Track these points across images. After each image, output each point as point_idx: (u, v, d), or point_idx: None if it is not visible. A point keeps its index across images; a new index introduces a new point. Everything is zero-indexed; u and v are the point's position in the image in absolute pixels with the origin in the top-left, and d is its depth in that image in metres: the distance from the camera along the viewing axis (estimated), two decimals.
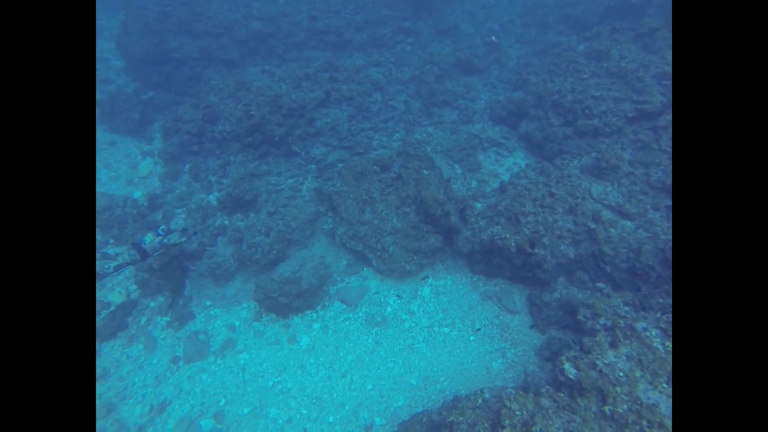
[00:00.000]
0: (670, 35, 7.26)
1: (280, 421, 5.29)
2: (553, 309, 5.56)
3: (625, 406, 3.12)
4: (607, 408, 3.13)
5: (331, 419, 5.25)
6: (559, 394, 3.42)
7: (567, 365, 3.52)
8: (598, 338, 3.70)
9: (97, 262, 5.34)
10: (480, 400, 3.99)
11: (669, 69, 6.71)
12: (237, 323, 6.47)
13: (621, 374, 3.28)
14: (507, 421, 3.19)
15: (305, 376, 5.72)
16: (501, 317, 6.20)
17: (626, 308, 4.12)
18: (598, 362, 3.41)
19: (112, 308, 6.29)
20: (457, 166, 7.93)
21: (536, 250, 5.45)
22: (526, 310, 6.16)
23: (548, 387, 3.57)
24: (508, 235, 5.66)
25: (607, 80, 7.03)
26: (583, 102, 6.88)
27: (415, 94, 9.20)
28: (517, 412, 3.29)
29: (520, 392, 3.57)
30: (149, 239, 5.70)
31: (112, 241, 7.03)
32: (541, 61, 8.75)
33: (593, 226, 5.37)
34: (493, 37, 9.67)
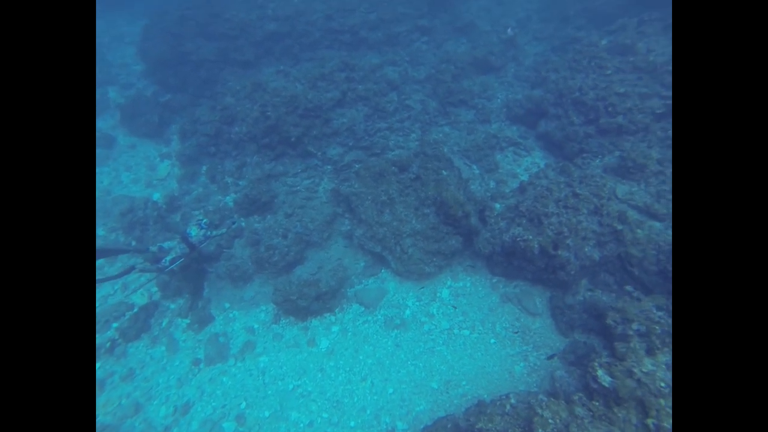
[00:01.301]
0: None
1: (302, 425, 5.28)
2: (577, 312, 5.42)
3: (672, 421, 2.98)
4: (650, 421, 2.99)
5: (352, 423, 5.23)
6: (594, 402, 3.31)
7: (600, 372, 3.41)
8: (632, 344, 3.57)
9: (154, 256, 5.89)
10: (508, 406, 3.91)
11: None
12: (256, 326, 6.49)
13: (663, 384, 3.16)
14: (540, 430, 3.10)
15: (325, 380, 5.70)
16: (522, 319, 6.09)
17: (660, 313, 3.98)
18: (635, 370, 3.29)
19: (136, 310, 6.39)
20: (475, 167, 7.81)
21: (560, 252, 5.32)
22: (547, 313, 6.03)
23: (580, 394, 3.47)
24: (530, 237, 5.54)
25: (633, 75, 6.82)
26: (607, 99, 6.69)
27: (432, 93, 9.10)
28: (550, 421, 3.20)
29: (552, 399, 3.47)
30: (195, 232, 6.05)
31: (134, 242, 7.12)
32: (560, 57, 8.54)
33: (619, 227, 5.21)
34: (509, 30, 9.42)
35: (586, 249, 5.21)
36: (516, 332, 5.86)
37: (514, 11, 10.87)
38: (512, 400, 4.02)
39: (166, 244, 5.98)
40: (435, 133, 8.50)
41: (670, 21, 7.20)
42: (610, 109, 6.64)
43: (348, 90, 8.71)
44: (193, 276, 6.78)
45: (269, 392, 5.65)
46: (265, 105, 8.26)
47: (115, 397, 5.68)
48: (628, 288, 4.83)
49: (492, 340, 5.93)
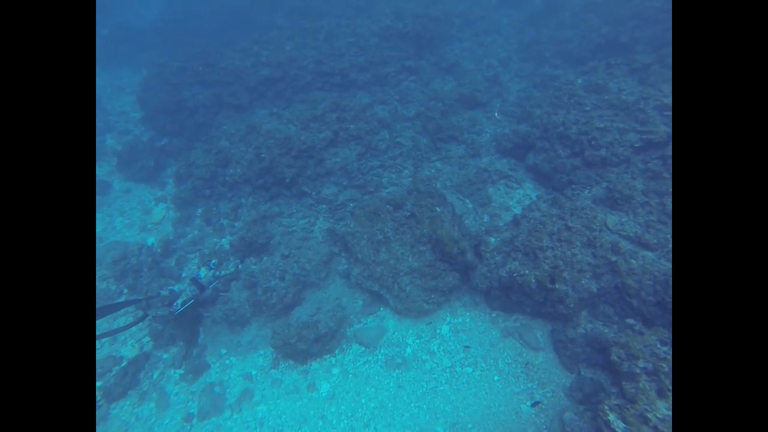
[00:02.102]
0: (663, 70, 7.54)
1: None
2: (580, 346, 5.40)
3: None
4: None
5: None
6: None
7: (612, 416, 3.36)
8: (641, 384, 3.55)
9: (166, 300, 5.95)
10: None
11: (668, 101, 6.88)
12: (254, 372, 6.30)
13: None
14: None
15: (327, 428, 5.50)
16: (524, 354, 6.02)
17: (664, 348, 3.99)
18: (649, 416, 3.24)
19: (124, 363, 6.13)
20: (468, 201, 7.98)
21: (557, 286, 5.37)
22: (549, 347, 5.99)
23: None
24: (527, 272, 5.60)
25: (610, 112, 7.19)
26: (589, 133, 7.01)
27: (422, 129, 9.42)
28: None
29: None
30: (204, 273, 6.22)
31: (126, 291, 6.99)
32: (542, 94, 9.00)
33: (613, 258, 5.31)
34: (496, 114, 9.59)
35: (583, 281, 5.27)
36: (524, 366, 5.78)
37: (496, 52, 11.51)
38: None
39: (176, 287, 5.97)
40: (427, 169, 8.72)
41: (634, 65, 7.78)
42: (593, 142, 6.94)
43: (340, 130, 8.97)
44: (188, 322, 6.63)
45: None
46: (259, 147, 8.45)
47: None
48: (630, 321, 4.85)
49: (495, 378, 5.82)
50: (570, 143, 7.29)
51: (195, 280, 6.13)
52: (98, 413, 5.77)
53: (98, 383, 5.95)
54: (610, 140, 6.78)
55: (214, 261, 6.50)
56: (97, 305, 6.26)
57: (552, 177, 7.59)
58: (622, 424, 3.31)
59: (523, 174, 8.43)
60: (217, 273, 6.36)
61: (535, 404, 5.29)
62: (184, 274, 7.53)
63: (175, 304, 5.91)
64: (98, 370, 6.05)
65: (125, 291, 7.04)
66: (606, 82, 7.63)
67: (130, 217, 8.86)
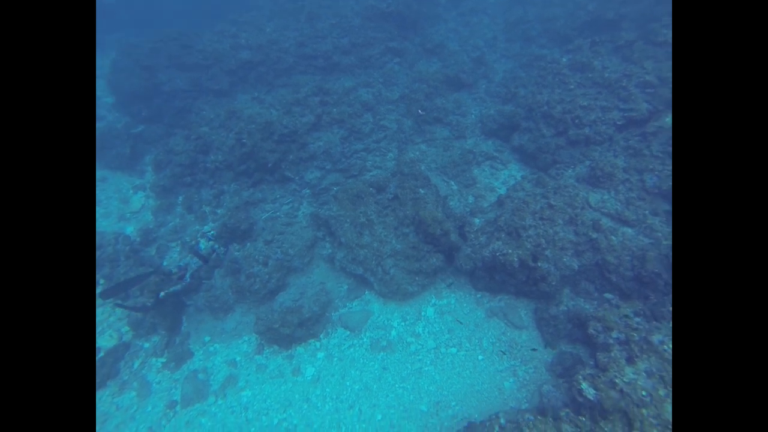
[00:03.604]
0: (646, 47, 7.46)
1: None
2: (562, 322, 5.44)
3: (655, 431, 2.97)
4: None
5: None
6: (580, 417, 3.27)
7: (584, 384, 3.39)
8: (613, 354, 3.58)
9: (174, 274, 6.18)
10: (496, 427, 3.83)
11: (651, 78, 6.83)
12: (238, 358, 6.25)
13: (644, 393, 3.15)
14: None
15: (312, 410, 5.49)
16: (508, 333, 6.06)
17: (638, 319, 4.03)
18: (617, 381, 3.29)
19: (102, 354, 6.00)
20: (453, 183, 7.91)
21: (539, 264, 5.37)
22: (533, 325, 6.03)
23: (567, 410, 3.43)
24: (510, 251, 5.59)
25: (593, 90, 7.12)
26: (573, 112, 6.95)
27: (406, 112, 9.26)
28: None
29: (539, 417, 3.42)
30: (204, 244, 6.43)
31: (102, 281, 6.82)
32: (527, 74, 8.89)
33: (594, 235, 5.32)
34: (420, 110, 9.12)
35: (565, 259, 5.28)
36: (504, 352, 5.82)
37: (482, 32, 11.31)
38: (501, 421, 3.95)
39: (182, 262, 6.18)
40: (411, 151, 8.61)
41: (618, 42, 7.70)
42: (576, 121, 6.89)
43: (323, 114, 8.79)
44: (169, 311, 6.52)
45: (252, 430, 5.39)
46: (240, 132, 8.24)
47: None
48: (608, 295, 4.89)
49: (480, 357, 5.86)
50: (554, 122, 7.23)
51: (196, 252, 6.35)
52: None
53: None
54: (594, 119, 6.74)
55: (212, 232, 6.68)
56: (109, 285, 6.36)
57: (537, 157, 7.55)
58: (592, 391, 3.35)
59: (509, 155, 8.37)
60: (215, 246, 6.50)
61: (534, 349, 5.50)
62: (165, 263, 7.39)
63: (185, 278, 6.22)
64: None
65: (101, 281, 6.87)
66: (590, 60, 7.54)
67: (106, 207, 8.62)
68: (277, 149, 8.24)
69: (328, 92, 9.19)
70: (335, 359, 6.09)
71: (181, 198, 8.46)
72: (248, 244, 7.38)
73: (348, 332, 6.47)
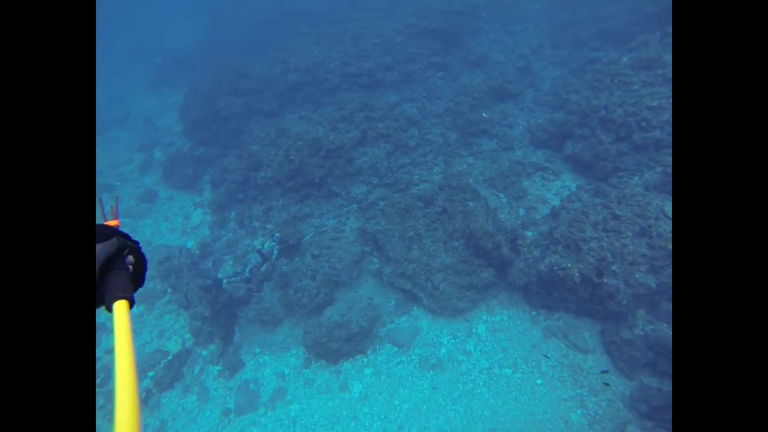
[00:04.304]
0: None
1: None
2: (639, 349, 4.86)
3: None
4: None
5: None
6: None
7: None
8: None
9: (239, 266, 7.04)
10: None
11: None
12: (286, 371, 6.29)
13: None
14: None
15: (359, 429, 5.35)
16: (571, 357, 5.55)
17: None
18: None
19: (170, 358, 6.40)
20: (502, 195, 7.59)
21: (605, 280, 4.90)
22: (600, 349, 5.47)
23: None
24: (569, 264, 5.17)
25: (664, 88, 6.56)
26: (638, 114, 6.42)
27: (451, 125, 9.15)
28: None
29: None
30: (267, 245, 7.14)
31: (170, 290, 7.29)
32: (579, 79, 8.44)
33: None
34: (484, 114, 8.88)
35: (638, 275, 4.77)
36: (546, 356, 5.35)
37: (526, 40, 11.02)
38: None
39: (252, 258, 6.95)
40: (458, 164, 8.44)
41: None
42: (643, 124, 6.36)
43: (368, 129, 8.92)
44: (224, 321, 6.78)
45: None
46: (288, 149, 8.57)
47: None
48: None
49: (539, 381, 5.41)
50: (615, 127, 6.73)
51: (260, 252, 7.00)
52: (151, 401, 6.10)
53: (150, 374, 6.32)
54: (666, 119, 6.16)
55: (277, 234, 7.42)
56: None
57: (594, 165, 7.05)
58: None
59: (561, 165, 7.91)
60: (276, 246, 7.16)
61: (604, 371, 4.98)
62: (220, 275, 7.76)
63: (245, 272, 7.01)
64: (150, 362, 6.42)
65: (169, 290, 7.34)
66: (660, 55, 6.97)
67: (173, 222, 9.31)
68: (323, 165, 8.45)
69: (373, 108, 9.35)
70: (383, 376, 5.93)
71: (233, 213, 8.91)
72: (296, 258, 7.54)
73: (396, 349, 6.30)
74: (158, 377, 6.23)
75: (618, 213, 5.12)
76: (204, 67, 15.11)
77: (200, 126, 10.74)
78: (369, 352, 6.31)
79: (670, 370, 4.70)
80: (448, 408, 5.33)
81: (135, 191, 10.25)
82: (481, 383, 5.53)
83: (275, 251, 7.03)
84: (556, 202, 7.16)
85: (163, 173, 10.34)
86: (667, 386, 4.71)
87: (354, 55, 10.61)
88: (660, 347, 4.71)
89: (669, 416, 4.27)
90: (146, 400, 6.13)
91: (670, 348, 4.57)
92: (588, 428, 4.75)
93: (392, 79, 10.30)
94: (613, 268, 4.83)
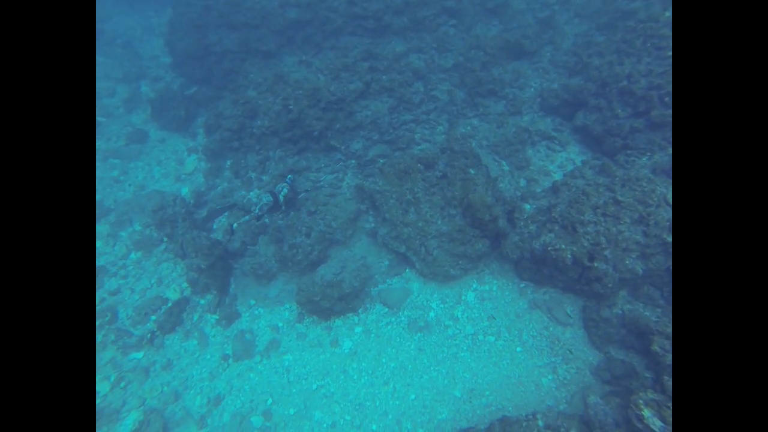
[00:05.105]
0: None
1: (325, 425, 5.38)
2: (614, 326, 5.12)
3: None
4: None
5: (374, 427, 5.27)
6: None
7: (647, 412, 3.16)
8: None
9: (244, 204, 7.20)
10: (535, 430, 3.75)
11: None
12: (280, 324, 6.59)
13: None
14: None
15: (348, 382, 5.75)
16: (551, 329, 5.85)
17: None
18: None
19: (170, 304, 6.65)
20: (504, 163, 7.41)
21: (596, 264, 4.99)
22: (579, 323, 5.75)
23: None
24: (563, 246, 5.22)
25: None
26: (664, 87, 6.00)
27: (459, 83, 8.61)
28: None
29: (584, 429, 3.28)
30: (279, 188, 7.01)
31: (165, 239, 7.33)
32: (607, 38, 7.75)
33: (670, 238, 4.78)
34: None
35: (627, 261, 4.85)
36: (549, 339, 5.64)
37: None
38: (540, 423, 3.87)
39: (265, 198, 6.83)
40: (462, 126, 8.09)
41: None
42: (666, 99, 5.98)
43: (372, 81, 8.38)
44: (219, 273, 6.93)
45: (294, 390, 5.78)
46: (287, 98, 8.10)
47: (158, 384, 5.99)
48: None
49: (518, 349, 5.75)
50: (634, 100, 6.36)
51: (273, 194, 6.88)
52: (155, 342, 6.45)
53: (152, 317, 6.61)
54: None
55: (290, 176, 7.43)
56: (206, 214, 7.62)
57: (603, 140, 6.79)
58: (659, 423, 3.11)
59: (569, 135, 7.62)
60: (288, 191, 7.06)
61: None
62: (215, 226, 7.76)
63: (254, 209, 6.86)
64: (151, 307, 6.67)
65: (165, 239, 7.38)
66: None
67: (166, 167, 9.07)
68: (323, 117, 8.06)
69: (378, 57, 8.69)
70: (373, 335, 6.25)
71: (229, 162, 8.67)
72: (292, 213, 7.50)
73: (386, 309, 6.56)
74: (161, 321, 6.52)
75: (620, 198, 5.05)
76: None
77: (191, 61, 9.95)
78: (360, 310, 6.58)
79: (636, 345, 4.99)
80: (431, 368, 5.71)
81: (123, 130, 9.74)
82: (465, 348, 5.87)
83: (288, 194, 7.06)
84: (558, 176, 7.02)
85: (153, 112, 9.78)
86: (630, 358, 5.06)
87: None
88: (632, 326, 4.95)
89: (626, 383, 4.63)
90: (152, 340, 6.45)
91: (641, 327, 4.81)
92: (555, 390, 5.17)
93: (401, 24, 9.42)
94: (605, 253, 4.88)
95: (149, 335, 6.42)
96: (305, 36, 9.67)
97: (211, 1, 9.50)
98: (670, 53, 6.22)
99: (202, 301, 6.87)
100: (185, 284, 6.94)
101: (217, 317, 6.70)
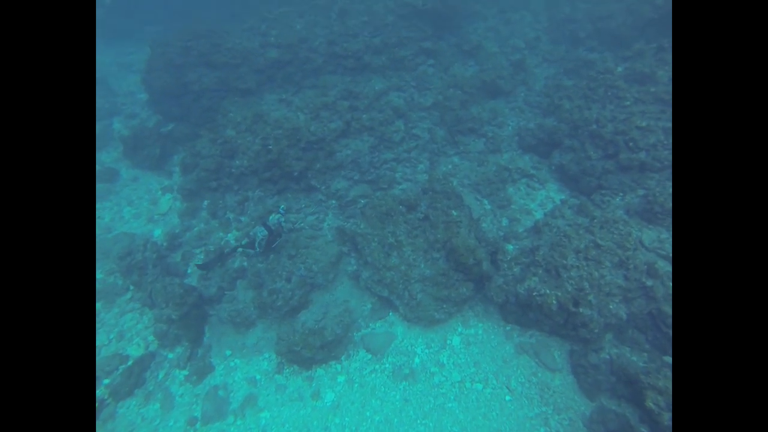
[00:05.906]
0: None
1: None
2: (603, 373, 5.02)
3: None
4: None
5: None
6: None
7: None
8: None
9: (248, 245, 6.90)
10: None
11: None
12: (258, 376, 6.19)
13: None
14: None
15: None
16: (539, 375, 5.70)
17: None
18: None
19: (130, 363, 6.06)
20: (486, 202, 7.46)
21: (581, 310, 4.95)
22: (567, 369, 5.64)
23: None
24: (548, 291, 5.17)
25: (655, 108, 6.43)
26: (627, 133, 6.31)
27: (439, 121, 8.79)
28: None
29: None
30: (273, 219, 6.85)
31: (132, 287, 6.88)
32: (574, 83, 8.18)
33: (649, 282, 4.82)
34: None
35: (611, 306, 4.83)
36: (539, 387, 5.47)
37: (523, 31, 10.53)
38: None
39: (260, 232, 6.69)
40: (444, 164, 8.18)
41: None
42: (630, 144, 6.26)
43: (352, 120, 8.44)
44: (192, 322, 6.52)
45: None
46: (266, 138, 8.03)
47: None
48: (667, 359, 4.41)
49: (507, 397, 5.55)
50: (603, 144, 6.61)
51: (266, 225, 6.73)
52: (106, 411, 5.75)
53: (106, 381, 5.88)
54: (653, 142, 6.08)
55: (282, 206, 7.31)
56: (206, 260, 7.26)
57: (579, 179, 6.97)
58: None
59: (547, 173, 7.81)
60: (283, 221, 6.93)
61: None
62: (189, 270, 7.39)
63: (243, 241, 6.84)
64: (106, 368, 5.98)
65: (131, 287, 6.93)
66: (654, 71, 6.77)
67: (137, 207, 8.68)
68: (303, 157, 8.00)
69: (358, 96, 8.81)
70: (356, 385, 5.93)
71: (206, 202, 8.40)
72: (272, 256, 7.24)
73: (370, 355, 6.28)
74: (115, 384, 5.81)
75: (600, 242, 5.10)
76: (168, 23, 13.59)
77: (168, 98, 9.81)
78: (343, 358, 6.27)
79: (627, 394, 4.90)
80: (418, 422, 5.41)
81: None
82: (452, 397, 5.63)
83: (282, 223, 6.93)
84: (539, 215, 7.11)
85: (125, 150, 9.45)
86: (623, 410, 4.94)
87: (341, 34, 9.83)
88: (621, 373, 4.87)
89: None
90: (99, 410, 5.63)
91: (630, 375, 4.75)
92: None
93: (380, 63, 9.67)
94: (590, 298, 4.86)
95: (96, 405, 5.63)
96: (285, 75, 9.76)
97: (191, 42, 9.51)
98: (628, 103, 6.61)
99: (171, 355, 6.39)
100: (151, 337, 6.45)
101: (187, 372, 6.22)
